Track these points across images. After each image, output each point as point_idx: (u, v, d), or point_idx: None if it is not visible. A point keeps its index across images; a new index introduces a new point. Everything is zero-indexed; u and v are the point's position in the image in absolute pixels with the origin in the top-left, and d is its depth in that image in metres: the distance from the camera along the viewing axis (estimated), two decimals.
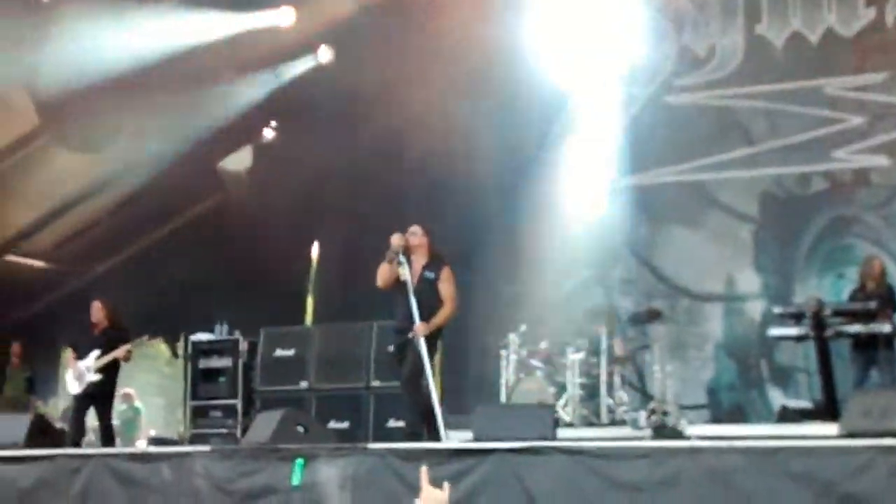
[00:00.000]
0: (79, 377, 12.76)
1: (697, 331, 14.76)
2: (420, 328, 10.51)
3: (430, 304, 10.68)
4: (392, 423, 11.39)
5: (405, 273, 10.69)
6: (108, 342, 12.77)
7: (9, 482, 10.46)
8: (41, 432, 11.42)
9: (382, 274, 10.82)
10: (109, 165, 16.49)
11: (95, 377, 12.67)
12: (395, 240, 10.80)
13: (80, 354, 12.87)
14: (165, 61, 14.99)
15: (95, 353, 12.72)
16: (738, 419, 13.88)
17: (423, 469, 4.29)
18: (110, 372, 12.88)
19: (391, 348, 11.16)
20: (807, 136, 14.55)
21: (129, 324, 13.34)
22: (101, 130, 15.68)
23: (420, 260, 10.92)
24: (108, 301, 13.30)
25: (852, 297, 12.29)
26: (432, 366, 10.68)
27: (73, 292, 17.58)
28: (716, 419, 13.16)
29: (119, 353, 12.71)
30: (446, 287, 10.83)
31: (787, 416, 11.87)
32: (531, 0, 14.78)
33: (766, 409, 14.23)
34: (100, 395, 12.85)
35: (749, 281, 14.71)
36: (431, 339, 10.66)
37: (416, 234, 10.94)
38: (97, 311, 13.12)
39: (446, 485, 4.26)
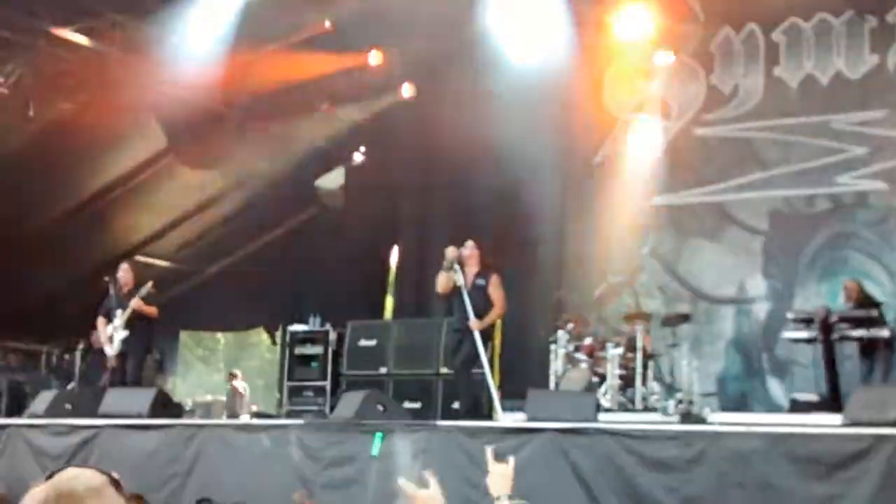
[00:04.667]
0: (110, 339, 12.34)
1: (712, 329, 14.59)
2: (475, 324, 10.59)
3: (481, 306, 10.80)
4: (457, 405, 11.31)
5: (460, 280, 10.79)
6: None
7: (134, 446, 10.54)
8: (163, 405, 11.46)
9: (441, 282, 10.97)
10: (223, 181, 16.59)
11: (123, 334, 12.23)
12: (450, 252, 10.95)
13: (111, 319, 12.38)
14: (274, 93, 15.08)
15: (121, 312, 12.26)
16: (743, 406, 13.76)
17: (489, 449, 4.21)
18: (139, 328, 12.36)
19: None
20: (814, 163, 14.35)
21: (236, 315, 13.26)
22: (217, 151, 15.77)
23: (472, 269, 11.03)
24: (135, 263, 12.99)
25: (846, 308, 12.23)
26: (487, 357, 10.76)
27: (191, 288, 17.72)
28: (723, 406, 13.02)
29: (135, 303, 12.22)
30: (495, 292, 10.97)
31: (796, 406, 11.76)
32: (582, 44, 14.65)
33: (766, 397, 14.13)
34: (131, 351, 12.37)
35: (757, 286, 14.53)
36: (484, 336, 10.75)
37: (468, 247, 11.08)
38: (125, 272, 12.67)
39: (511, 458, 4.17)
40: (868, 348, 11.80)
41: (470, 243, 11.16)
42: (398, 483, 3.95)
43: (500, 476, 4.08)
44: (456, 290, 10.88)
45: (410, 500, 3.91)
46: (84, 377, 14.42)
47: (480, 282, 10.97)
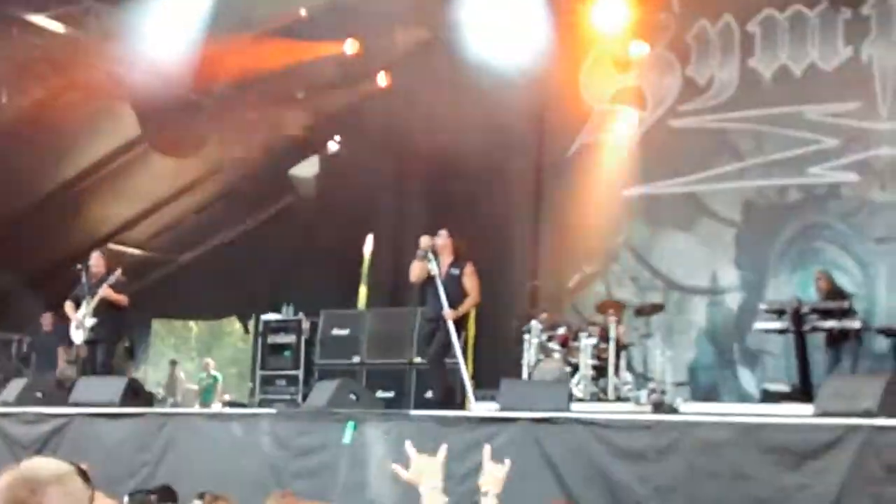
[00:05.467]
0: (79, 326, 12.27)
1: (684, 318, 14.63)
2: (449, 314, 10.55)
3: (455, 296, 10.75)
4: (430, 395, 11.28)
5: (434, 269, 10.76)
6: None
7: (105, 435, 10.46)
8: (134, 394, 11.36)
9: (414, 271, 10.93)
10: (198, 169, 16.50)
11: (92, 321, 12.17)
12: (424, 241, 10.89)
13: (79, 305, 12.31)
14: (249, 81, 15.00)
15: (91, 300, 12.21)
16: (714, 396, 13.81)
17: (487, 447, 4.20)
18: (109, 316, 12.32)
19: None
20: (787, 154, 14.39)
21: (209, 304, 13.21)
22: (191, 139, 15.66)
23: (446, 258, 10.97)
24: (106, 251, 12.94)
25: (818, 299, 12.28)
26: (461, 347, 10.71)
27: (164, 276, 17.64)
28: (695, 396, 13.06)
29: (104, 291, 12.17)
30: (469, 280, 10.94)
31: (768, 396, 11.81)
32: (558, 35, 14.63)
33: (736, 386, 14.17)
34: (100, 339, 12.32)
35: (730, 276, 14.57)
36: (458, 325, 10.71)
37: (441, 236, 11.03)
38: (97, 260, 12.64)
39: (487, 446, 4.16)
40: (834, 339, 11.86)
41: (443, 232, 11.11)
42: (391, 469, 3.94)
43: (494, 476, 4.09)
44: (430, 280, 10.84)
45: (413, 461, 3.95)
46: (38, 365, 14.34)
47: (455, 271, 10.93)
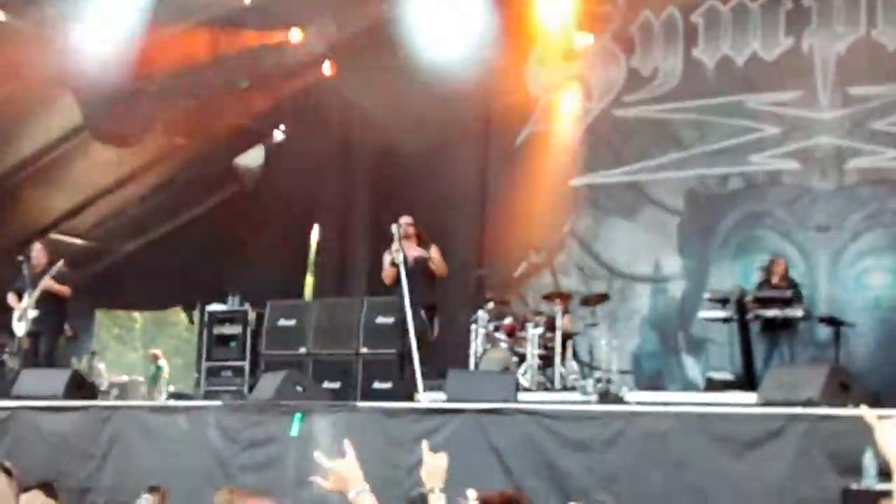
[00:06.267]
0: (21, 317, 12.22)
1: (628, 306, 14.74)
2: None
3: (424, 280, 10.74)
4: (377, 385, 11.27)
5: (399, 258, 10.75)
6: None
7: (49, 428, 10.37)
8: (77, 386, 11.26)
9: (389, 276, 10.92)
10: (141, 158, 16.34)
11: (34, 313, 12.13)
12: (394, 228, 10.84)
13: (22, 296, 12.25)
14: (192, 70, 14.87)
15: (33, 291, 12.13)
16: (658, 384, 13.92)
17: (425, 443, 4.23)
18: (52, 308, 12.30)
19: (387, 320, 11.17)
20: (729, 142, 14.52)
21: (153, 294, 13.09)
22: (134, 128, 15.50)
23: (412, 245, 10.97)
24: (49, 241, 12.82)
25: (759, 287, 12.35)
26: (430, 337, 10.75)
27: (107, 267, 17.48)
28: (639, 384, 13.17)
29: (46, 283, 12.13)
30: (437, 259, 10.92)
31: (712, 385, 11.92)
32: (504, 25, 14.65)
33: (681, 374, 14.31)
34: (43, 330, 12.28)
35: (673, 264, 14.70)
36: (430, 314, 10.75)
37: (407, 223, 11.02)
38: (38, 251, 12.56)
39: (425, 443, 4.20)
40: (772, 326, 11.98)
41: (408, 219, 11.13)
42: (315, 457, 3.94)
43: (434, 468, 4.11)
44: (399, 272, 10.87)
45: (328, 472, 3.92)
46: None
47: (421, 256, 10.97)
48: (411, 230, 11.06)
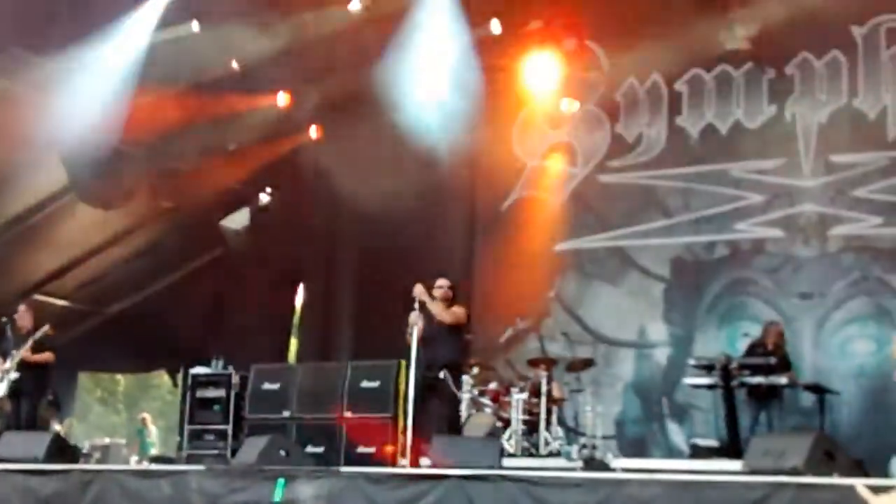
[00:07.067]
0: (2, 378, 12.19)
1: (612, 371, 14.70)
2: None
3: (448, 341, 10.91)
4: (361, 450, 11.21)
5: (419, 321, 10.72)
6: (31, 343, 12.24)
7: (30, 492, 10.24)
8: (59, 449, 11.16)
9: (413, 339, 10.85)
10: (126, 220, 16.34)
11: (14, 375, 12.12)
12: (417, 290, 10.83)
13: (6, 358, 12.26)
14: (180, 133, 14.92)
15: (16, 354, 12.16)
16: (641, 450, 13.91)
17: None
18: (35, 370, 12.28)
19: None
20: (714, 210, 14.64)
21: (137, 356, 13.06)
22: (120, 191, 15.52)
23: (440, 306, 10.96)
24: (33, 303, 12.80)
25: (750, 349, 12.38)
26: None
27: (91, 328, 17.40)
28: (622, 449, 13.12)
29: (23, 353, 12.15)
30: (441, 314, 10.89)
31: (697, 452, 11.86)
32: (490, 91, 14.79)
33: (664, 440, 14.29)
34: (24, 392, 12.27)
35: (658, 331, 14.72)
36: (455, 377, 10.69)
37: (442, 288, 11.04)
38: (23, 314, 12.58)
39: None
40: (758, 394, 11.96)
41: (445, 282, 11.18)
42: None
43: None
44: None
45: None
46: None
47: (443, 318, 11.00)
48: (449, 293, 11.11)
